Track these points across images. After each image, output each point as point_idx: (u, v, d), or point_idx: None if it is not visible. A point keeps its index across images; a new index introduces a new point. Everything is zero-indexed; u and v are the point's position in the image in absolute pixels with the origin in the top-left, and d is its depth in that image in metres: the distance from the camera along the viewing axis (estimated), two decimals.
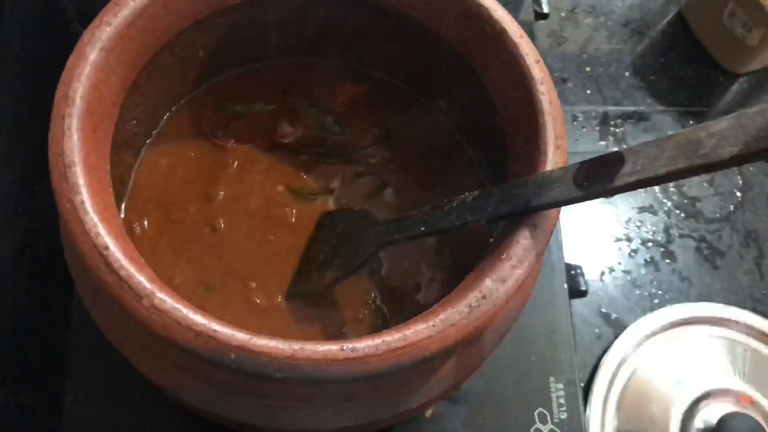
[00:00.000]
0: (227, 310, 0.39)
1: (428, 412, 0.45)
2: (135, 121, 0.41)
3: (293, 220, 0.43)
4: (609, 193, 0.30)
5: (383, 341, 0.29)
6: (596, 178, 0.30)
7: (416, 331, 0.29)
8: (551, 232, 0.33)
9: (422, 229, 0.37)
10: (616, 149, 0.30)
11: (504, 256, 0.32)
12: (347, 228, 0.41)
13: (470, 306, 0.30)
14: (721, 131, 0.26)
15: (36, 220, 0.52)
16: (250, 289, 0.40)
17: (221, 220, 0.42)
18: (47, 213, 0.50)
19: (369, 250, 0.40)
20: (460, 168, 0.45)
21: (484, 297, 0.31)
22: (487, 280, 0.31)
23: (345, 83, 0.47)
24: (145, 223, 0.41)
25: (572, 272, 0.50)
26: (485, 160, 0.43)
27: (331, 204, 0.43)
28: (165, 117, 0.44)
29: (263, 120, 0.45)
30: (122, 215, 0.41)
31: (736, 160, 0.26)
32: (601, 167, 0.30)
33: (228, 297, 0.40)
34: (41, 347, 0.49)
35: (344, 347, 0.28)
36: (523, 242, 0.32)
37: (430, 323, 0.30)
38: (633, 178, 0.28)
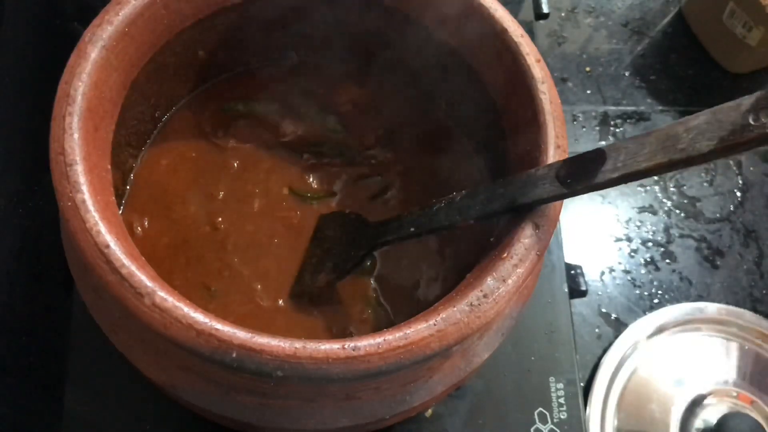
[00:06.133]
0: (230, 311, 0.39)
1: (428, 412, 0.45)
2: (136, 121, 0.41)
3: (296, 221, 0.42)
4: (592, 189, 0.30)
5: (384, 340, 0.29)
6: (579, 175, 0.30)
7: (417, 330, 0.29)
8: (552, 232, 0.33)
9: (412, 230, 0.37)
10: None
11: (505, 254, 0.32)
12: (340, 230, 0.41)
13: (471, 305, 0.30)
14: (698, 126, 0.26)
15: (36, 220, 0.52)
16: (254, 290, 0.40)
17: (223, 221, 0.42)
18: (47, 213, 0.50)
19: (361, 251, 0.40)
20: (463, 168, 0.45)
21: (485, 296, 0.31)
22: (488, 278, 0.31)
23: (347, 83, 0.47)
24: (146, 222, 0.41)
25: (572, 272, 0.50)
26: (487, 159, 0.43)
27: (334, 206, 0.43)
28: (166, 116, 0.44)
29: (265, 120, 0.45)
30: (122, 215, 0.41)
31: (714, 155, 0.26)
32: (583, 164, 0.30)
33: (230, 298, 0.40)
34: (41, 347, 0.49)
35: (345, 346, 0.28)
36: (524, 241, 0.32)
37: (431, 322, 0.30)
38: (615, 174, 0.29)
